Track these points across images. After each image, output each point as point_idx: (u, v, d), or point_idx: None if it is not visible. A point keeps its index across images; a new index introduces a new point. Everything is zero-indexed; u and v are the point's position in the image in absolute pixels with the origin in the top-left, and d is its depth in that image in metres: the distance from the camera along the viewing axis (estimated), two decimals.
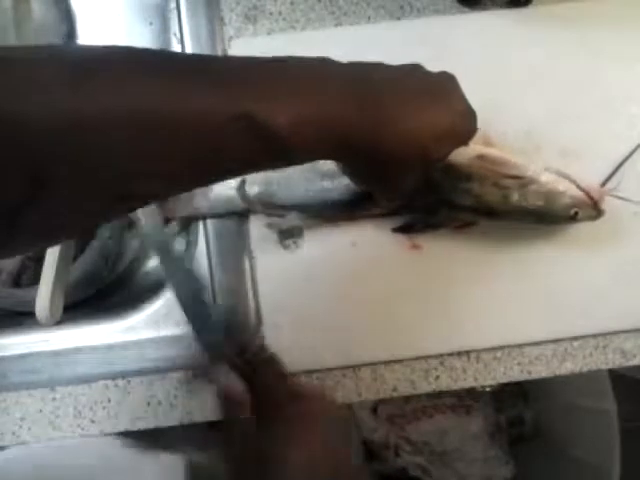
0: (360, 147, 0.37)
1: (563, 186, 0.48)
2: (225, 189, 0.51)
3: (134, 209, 0.39)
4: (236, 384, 0.42)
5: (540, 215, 0.48)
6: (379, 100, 0.37)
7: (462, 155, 0.48)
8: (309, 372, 0.53)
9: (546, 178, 0.48)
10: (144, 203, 0.36)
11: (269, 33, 0.55)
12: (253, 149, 0.34)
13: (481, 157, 0.48)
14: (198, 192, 0.52)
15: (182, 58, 0.38)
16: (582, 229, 0.51)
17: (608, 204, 0.49)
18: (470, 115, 0.42)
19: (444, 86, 0.41)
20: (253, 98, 0.33)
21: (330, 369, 0.53)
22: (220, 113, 0.32)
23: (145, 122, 0.30)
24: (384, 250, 0.52)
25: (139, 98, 0.30)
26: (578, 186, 0.48)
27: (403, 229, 0.52)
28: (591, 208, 0.48)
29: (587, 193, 0.48)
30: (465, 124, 0.41)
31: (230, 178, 0.37)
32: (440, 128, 0.39)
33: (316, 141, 0.36)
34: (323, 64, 0.39)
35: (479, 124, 0.51)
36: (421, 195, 0.49)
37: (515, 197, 0.48)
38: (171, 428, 0.52)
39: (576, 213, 0.48)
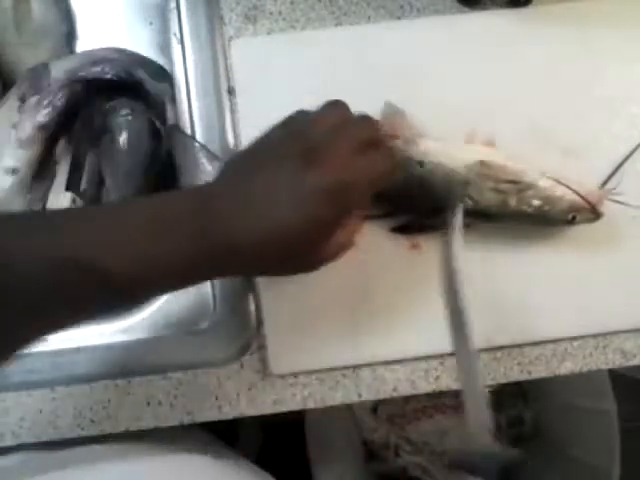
0: (227, 269, 0.37)
1: (561, 191, 0.48)
2: None
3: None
4: None
5: (538, 219, 0.49)
6: (219, 225, 0.35)
7: (462, 159, 0.48)
8: (309, 372, 0.53)
9: (544, 183, 0.48)
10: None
11: (269, 33, 0.55)
12: (87, 292, 0.33)
13: (481, 163, 0.48)
14: None
15: (16, 215, 0.38)
16: (582, 230, 0.51)
17: (607, 206, 0.49)
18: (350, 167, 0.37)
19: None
20: (76, 243, 0.33)
21: (330, 369, 0.53)
22: (42, 259, 0.32)
23: None
24: (384, 250, 0.52)
25: None
26: (576, 192, 0.48)
27: (401, 229, 0.52)
28: (589, 212, 0.48)
29: (585, 198, 0.48)
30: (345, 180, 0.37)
31: (80, 321, 0.36)
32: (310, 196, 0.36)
33: (161, 279, 0.35)
34: (150, 204, 0.37)
35: (481, 124, 0.51)
36: (420, 199, 0.49)
37: (513, 202, 0.48)
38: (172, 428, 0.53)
39: (574, 217, 0.48)
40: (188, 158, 0.52)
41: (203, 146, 0.52)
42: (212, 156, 0.52)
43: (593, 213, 0.48)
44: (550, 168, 0.49)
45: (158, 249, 0.34)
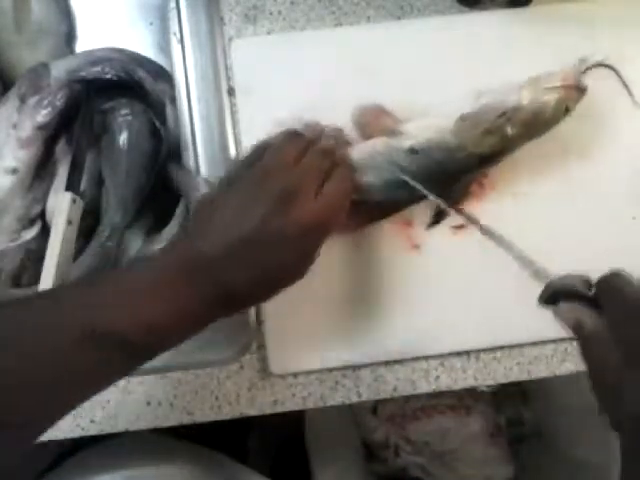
0: (229, 309, 0.40)
1: (544, 97, 0.48)
2: None
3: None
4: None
5: (540, 128, 0.49)
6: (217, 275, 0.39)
7: (445, 127, 0.48)
8: (309, 372, 0.53)
9: (526, 99, 0.48)
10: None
11: (269, 33, 0.55)
12: (116, 359, 0.36)
13: (463, 118, 0.48)
14: None
15: (22, 303, 0.39)
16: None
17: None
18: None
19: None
20: (90, 312, 0.35)
21: (330, 369, 0.53)
22: (61, 334, 0.34)
23: None
24: (384, 250, 0.52)
25: None
26: (556, 86, 0.48)
27: (436, 220, 0.52)
28: (575, 91, 0.48)
29: (567, 85, 0.48)
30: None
31: (110, 385, 0.38)
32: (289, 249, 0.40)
33: (174, 333, 0.38)
34: (148, 264, 0.40)
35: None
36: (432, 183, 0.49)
37: (509, 130, 0.48)
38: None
39: (567, 107, 0.48)
40: (194, 193, 0.53)
41: (207, 180, 0.53)
42: (207, 183, 0.52)
43: (578, 90, 0.48)
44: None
45: (166, 309, 0.37)
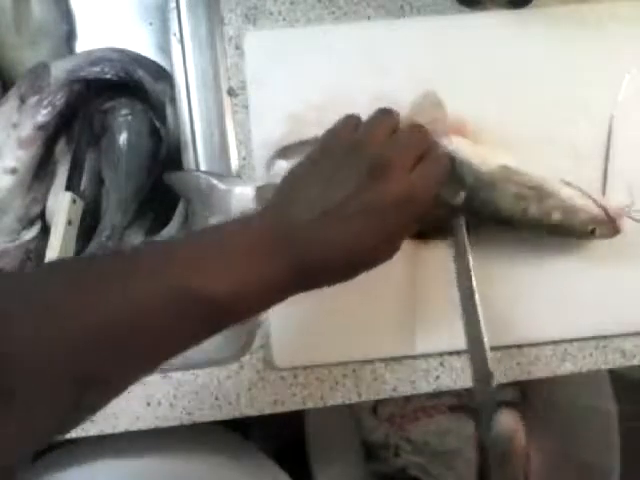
0: (303, 283, 0.38)
1: (581, 202, 0.47)
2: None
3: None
4: None
5: (557, 228, 0.48)
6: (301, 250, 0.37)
7: (486, 163, 0.48)
8: (309, 372, 0.53)
9: (565, 193, 0.47)
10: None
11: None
12: (201, 320, 0.35)
13: (505, 167, 0.48)
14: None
15: (107, 260, 0.38)
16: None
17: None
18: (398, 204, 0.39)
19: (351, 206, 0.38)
20: (183, 274, 0.34)
21: (330, 370, 0.53)
22: (156, 297, 0.33)
23: (95, 329, 0.32)
24: None
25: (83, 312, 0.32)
26: (597, 204, 0.47)
27: (418, 235, 0.51)
28: (609, 226, 0.48)
29: (605, 210, 0.47)
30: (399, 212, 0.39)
31: (189, 349, 0.38)
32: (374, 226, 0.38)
33: (257, 301, 0.37)
34: (242, 226, 0.39)
35: (479, 124, 0.51)
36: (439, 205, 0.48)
37: (533, 209, 0.47)
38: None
39: (593, 230, 0.48)
40: (193, 192, 0.51)
41: (208, 173, 0.52)
42: (212, 177, 0.51)
43: (612, 228, 0.48)
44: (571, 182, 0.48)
45: (254, 273, 0.36)
